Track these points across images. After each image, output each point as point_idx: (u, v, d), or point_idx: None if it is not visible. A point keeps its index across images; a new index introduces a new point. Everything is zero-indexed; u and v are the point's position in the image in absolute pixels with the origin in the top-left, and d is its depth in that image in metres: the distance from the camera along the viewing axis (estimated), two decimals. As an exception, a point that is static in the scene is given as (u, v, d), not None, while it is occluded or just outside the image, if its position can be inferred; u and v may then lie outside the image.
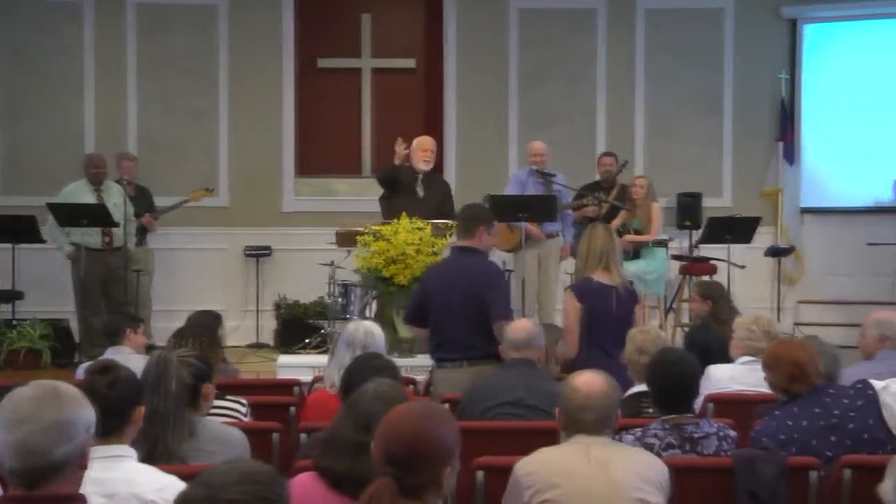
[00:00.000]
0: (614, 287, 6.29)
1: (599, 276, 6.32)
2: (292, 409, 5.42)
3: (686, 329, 9.23)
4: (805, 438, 4.37)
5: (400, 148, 9.11)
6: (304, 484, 3.29)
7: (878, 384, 4.49)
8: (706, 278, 10.08)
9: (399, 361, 5.53)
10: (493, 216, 6.47)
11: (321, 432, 3.65)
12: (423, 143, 9.21)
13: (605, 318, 6.19)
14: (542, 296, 9.67)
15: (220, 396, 4.64)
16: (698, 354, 6.88)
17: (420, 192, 9.01)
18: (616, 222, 10.02)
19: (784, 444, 4.35)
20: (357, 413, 3.34)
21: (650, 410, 4.62)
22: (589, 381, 3.77)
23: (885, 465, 2.93)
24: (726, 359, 6.48)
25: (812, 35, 11.90)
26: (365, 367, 4.25)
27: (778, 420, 4.45)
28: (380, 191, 9.24)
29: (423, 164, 9.08)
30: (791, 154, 11.74)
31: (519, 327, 5.38)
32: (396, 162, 9.08)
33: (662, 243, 10.17)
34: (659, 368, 4.36)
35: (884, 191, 11.89)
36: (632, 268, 9.54)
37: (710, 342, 6.94)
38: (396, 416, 2.78)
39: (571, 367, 6.00)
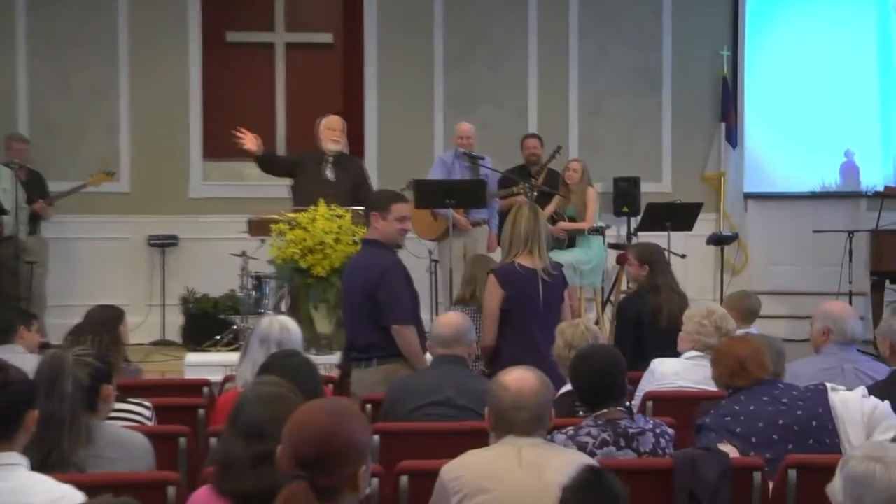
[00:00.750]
0: (538, 271, 6.22)
1: (524, 261, 6.25)
2: (201, 411, 5.39)
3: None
4: (752, 421, 4.49)
5: (247, 140, 8.90)
6: (205, 498, 3.25)
7: (828, 385, 4.63)
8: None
9: (317, 359, 5.52)
10: (391, 198, 6.37)
11: (214, 453, 3.62)
12: (331, 122, 9.16)
13: (532, 306, 6.17)
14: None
15: (121, 399, 4.59)
16: (629, 325, 7.02)
17: (330, 175, 8.96)
18: (549, 208, 10.07)
19: (729, 425, 4.47)
20: (243, 424, 3.30)
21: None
22: (520, 378, 3.79)
23: (830, 465, 2.99)
24: (656, 329, 6.62)
25: (755, 9, 12.04)
26: (280, 366, 4.24)
27: (725, 407, 4.59)
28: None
29: (331, 143, 9.02)
30: (734, 136, 11.88)
31: (446, 322, 5.37)
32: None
33: (599, 231, 10.24)
34: (579, 365, 4.44)
35: (831, 175, 12.09)
36: (567, 257, 9.60)
37: (642, 312, 7.03)
38: (303, 416, 2.78)
39: (496, 358, 6.03)
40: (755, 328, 6.81)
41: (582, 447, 4.13)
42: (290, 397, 3.31)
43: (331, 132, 9.05)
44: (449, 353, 5.27)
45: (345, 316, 6.41)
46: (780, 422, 4.50)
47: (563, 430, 4.26)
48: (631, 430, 4.24)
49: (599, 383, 4.34)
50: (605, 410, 4.28)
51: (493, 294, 6.22)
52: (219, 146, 11.53)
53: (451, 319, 5.41)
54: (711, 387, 5.24)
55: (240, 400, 3.41)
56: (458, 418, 4.97)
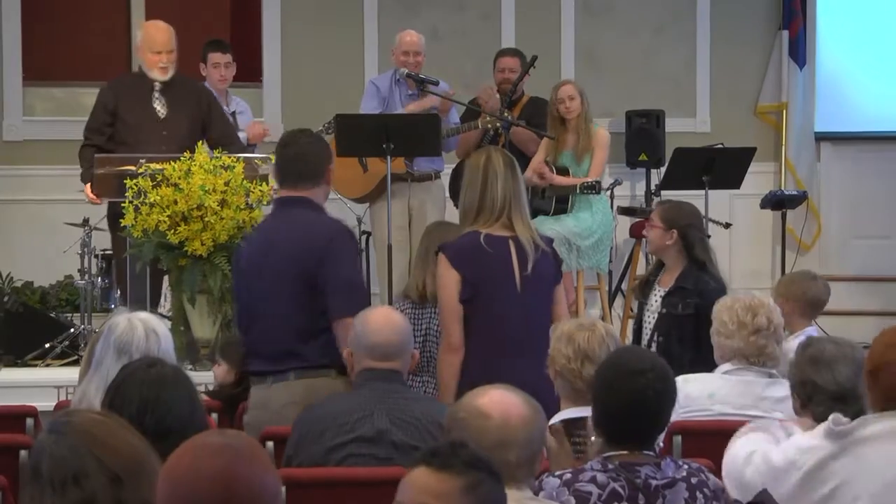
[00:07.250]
0: (516, 238, 6.25)
1: (494, 229, 6.26)
2: (24, 453, 5.39)
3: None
4: None
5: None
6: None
7: None
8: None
9: (195, 376, 5.52)
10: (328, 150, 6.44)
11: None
12: (154, 38, 9.00)
13: (504, 294, 6.22)
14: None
15: None
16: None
17: (160, 108, 8.96)
18: (538, 157, 10.00)
19: None
20: (49, 472, 3.28)
21: (592, 439, 4.64)
22: (503, 402, 3.78)
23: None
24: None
25: None
26: (137, 382, 4.19)
27: None
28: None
29: (158, 72, 8.97)
30: (801, 50, 11.93)
31: (385, 324, 5.34)
32: None
33: (593, 188, 10.08)
34: (611, 377, 4.35)
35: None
36: (556, 228, 9.56)
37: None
38: (185, 462, 2.78)
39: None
40: (814, 328, 6.85)
41: (583, 501, 4.15)
42: (110, 423, 3.28)
43: (155, 57, 8.98)
44: (383, 368, 5.27)
45: (244, 311, 6.40)
46: None
47: (558, 473, 4.27)
48: (654, 482, 4.25)
49: (642, 417, 4.30)
50: (623, 452, 4.31)
51: (446, 281, 6.27)
52: (47, 66, 11.52)
53: (390, 320, 5.36)
54: (764, 412, 5.30)
55: (35, 447, 3.32)
56: (395, 461, 5.00)
